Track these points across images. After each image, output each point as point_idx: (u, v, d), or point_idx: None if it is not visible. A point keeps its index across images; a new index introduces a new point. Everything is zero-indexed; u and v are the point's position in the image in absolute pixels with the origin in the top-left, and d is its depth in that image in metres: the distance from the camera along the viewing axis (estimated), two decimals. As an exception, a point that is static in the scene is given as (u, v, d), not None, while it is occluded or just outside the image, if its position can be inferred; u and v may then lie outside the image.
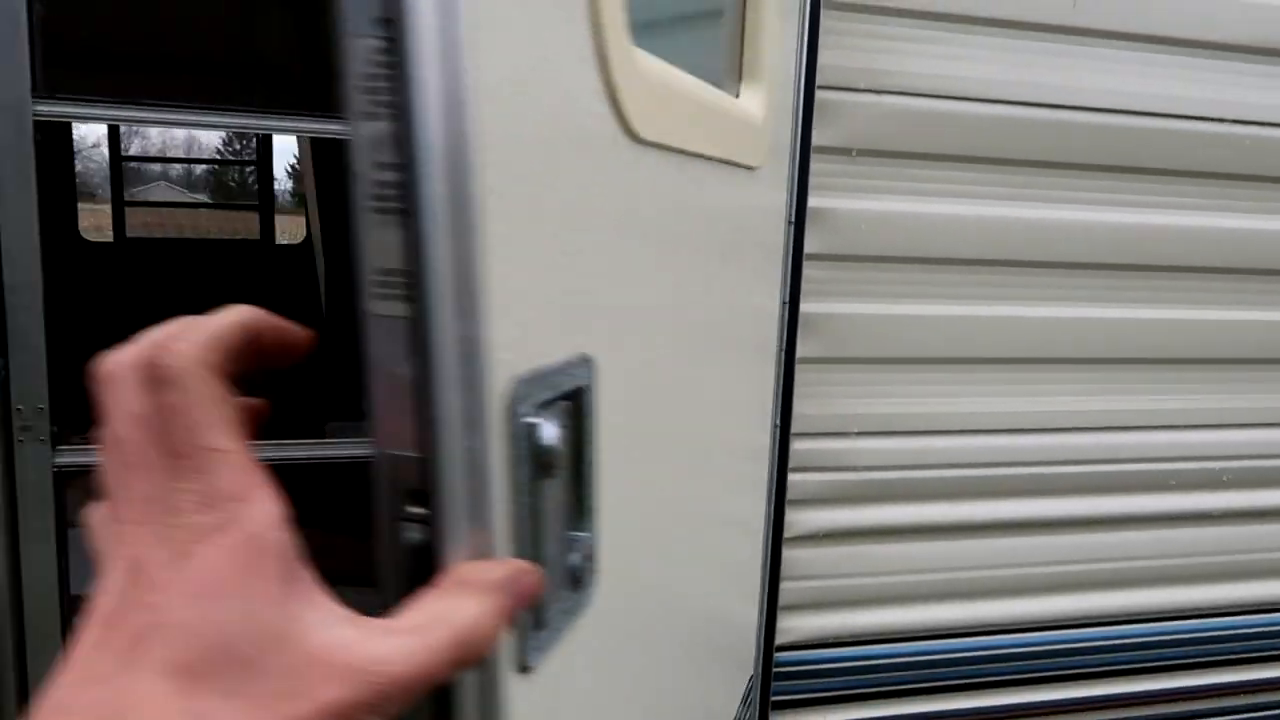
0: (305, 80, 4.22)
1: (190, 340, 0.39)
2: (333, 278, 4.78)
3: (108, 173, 6.91)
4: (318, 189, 4.86)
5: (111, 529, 0.38)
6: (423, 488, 0.42)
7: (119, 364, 0.40)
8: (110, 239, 6.38)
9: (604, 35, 0.59)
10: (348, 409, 2.01)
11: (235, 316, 0.41)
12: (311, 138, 4.52)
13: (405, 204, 0.40)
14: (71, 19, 3.74)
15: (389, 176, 0.40)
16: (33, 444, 1.72)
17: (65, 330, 1.74)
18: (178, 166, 20.00)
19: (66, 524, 1.78)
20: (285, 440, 1.91)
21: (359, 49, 0.39)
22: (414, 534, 0.43)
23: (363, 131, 0.40)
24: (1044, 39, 1.69)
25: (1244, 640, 2.10)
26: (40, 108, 1.55)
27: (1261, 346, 1.99)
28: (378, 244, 0.41)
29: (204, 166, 19.11)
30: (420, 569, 0.43)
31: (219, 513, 0.36)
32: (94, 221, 6.67)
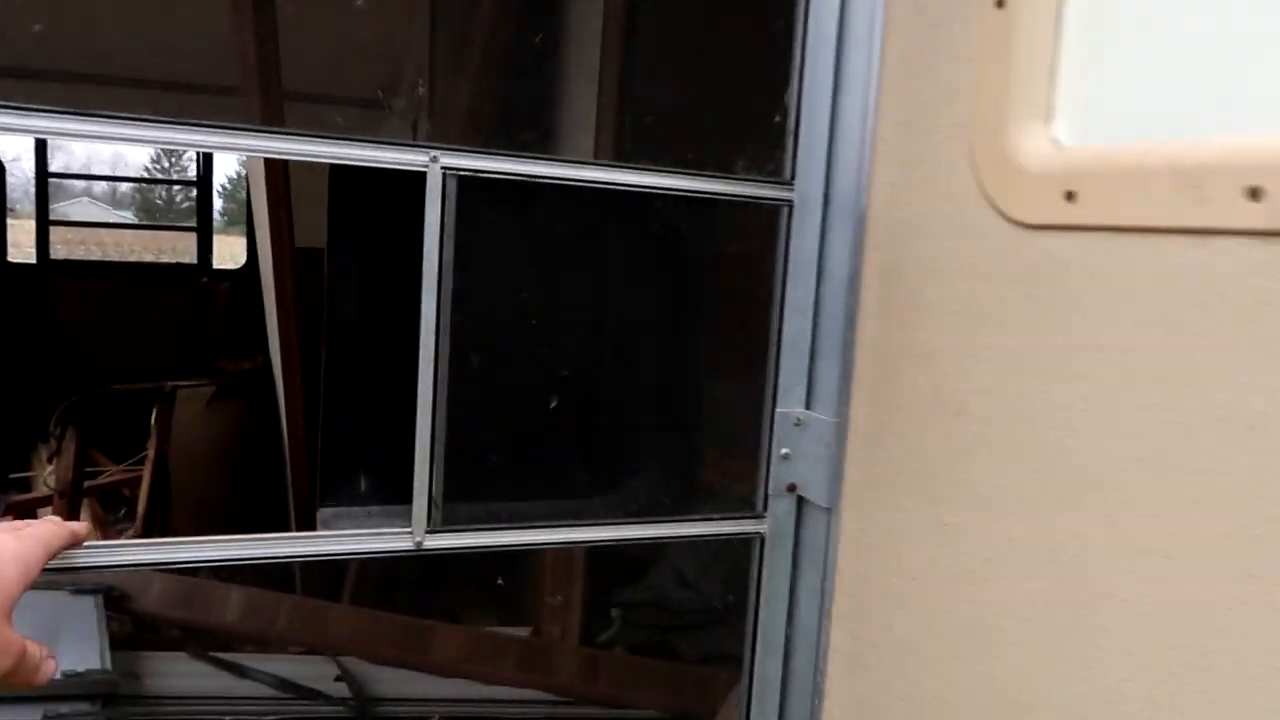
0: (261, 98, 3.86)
1: None
2: (284, 310, 4.38)
3: (27, 187, 6.42)
4: (270, 212, 4.47)
5: None
6: None
7: None
8: (33, 259, 5.88)
9: None
10: (342, 491, 1.53)
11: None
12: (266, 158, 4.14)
13: None
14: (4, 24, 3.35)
15: None
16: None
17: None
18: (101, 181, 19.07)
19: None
20: (271, 535, 1.43)
21: None
22: None
23: None
24: None
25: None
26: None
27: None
28: None
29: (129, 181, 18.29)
30: None
31: None
32: (12, 239, 6.17)
